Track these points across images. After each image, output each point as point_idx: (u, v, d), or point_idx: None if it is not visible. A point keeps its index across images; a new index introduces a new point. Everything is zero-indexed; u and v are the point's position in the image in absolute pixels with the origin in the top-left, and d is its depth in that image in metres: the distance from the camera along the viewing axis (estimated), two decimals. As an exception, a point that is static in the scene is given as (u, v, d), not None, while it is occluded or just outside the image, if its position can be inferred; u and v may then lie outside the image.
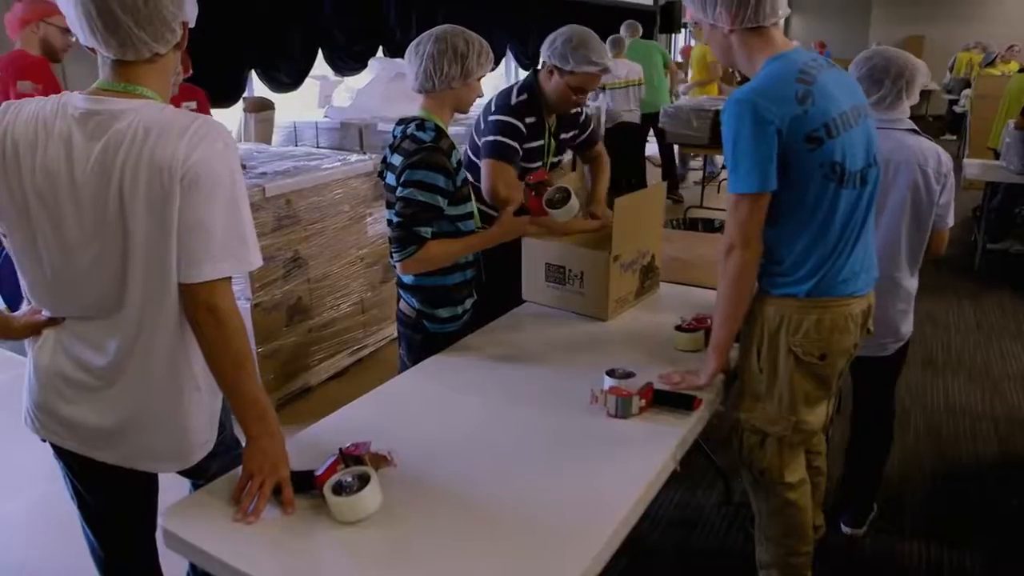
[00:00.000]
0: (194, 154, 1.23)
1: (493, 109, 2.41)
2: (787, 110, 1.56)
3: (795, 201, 1.65)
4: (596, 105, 6.37)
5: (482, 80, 1.99)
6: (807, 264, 1.70)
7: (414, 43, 1.92)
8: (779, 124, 1.56)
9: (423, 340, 2.07)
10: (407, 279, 2.04)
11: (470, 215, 2.04)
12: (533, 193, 2.13)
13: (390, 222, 1.93)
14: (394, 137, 1.98)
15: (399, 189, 1.88)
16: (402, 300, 2.12)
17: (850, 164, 1.65)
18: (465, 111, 2.03)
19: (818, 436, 2.07)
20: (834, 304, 1.73)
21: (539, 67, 2.48)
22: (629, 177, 6.96)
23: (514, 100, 2.41)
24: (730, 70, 9.31)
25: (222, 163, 1.26)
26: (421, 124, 1.92)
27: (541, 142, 2.45)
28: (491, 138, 2.36)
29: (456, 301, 2.07)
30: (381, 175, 2.02)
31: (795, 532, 1.94)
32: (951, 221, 2.22)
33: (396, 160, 1.91)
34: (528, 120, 2.39)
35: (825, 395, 1.84)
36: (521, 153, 2.40)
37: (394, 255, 1.91)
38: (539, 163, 2.47)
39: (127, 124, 1.24)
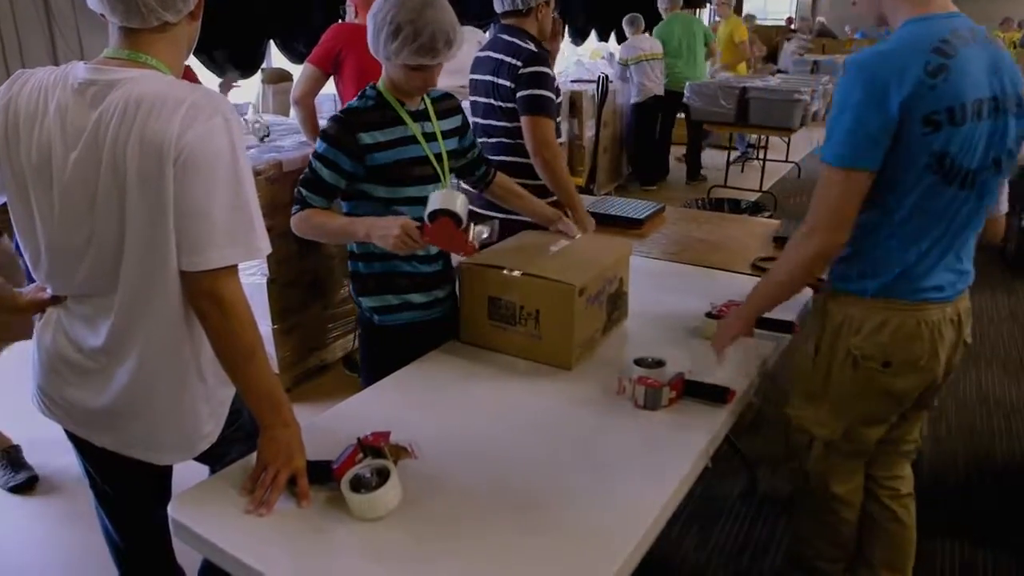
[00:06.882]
0: (189, 132, 1.13)
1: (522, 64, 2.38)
2: (911, 82, 1.35)
3: (884, 184, 1.44)
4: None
5: (422, 69, 1.69)
6: (882, 260, 1.52)
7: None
8: (900, 97, 1.35)
9: (393, 336, 1.90)
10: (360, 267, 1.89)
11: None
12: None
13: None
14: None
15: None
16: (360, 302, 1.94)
17: (962, 160, 1.42)
18: (403, 99, 1.79)
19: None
20: (907, 308, 1.54)
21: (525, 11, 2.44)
22: (652, 154, 6.84)
23: (537, 48, 2.41)
24: (757, 53, 9.06)
25: (221, 140, 1.16)
26: (363, 93, 1.79)
27: None
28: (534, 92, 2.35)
29: (418, 288, 1.88)
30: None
31: (828, 537, 1.83)
32: (1005, 207, 2.12)
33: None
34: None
35: (891, 415, 1.67)
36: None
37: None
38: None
39: (120, 95, 1.15)
